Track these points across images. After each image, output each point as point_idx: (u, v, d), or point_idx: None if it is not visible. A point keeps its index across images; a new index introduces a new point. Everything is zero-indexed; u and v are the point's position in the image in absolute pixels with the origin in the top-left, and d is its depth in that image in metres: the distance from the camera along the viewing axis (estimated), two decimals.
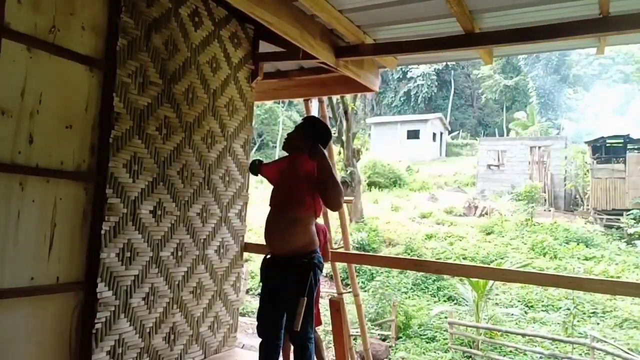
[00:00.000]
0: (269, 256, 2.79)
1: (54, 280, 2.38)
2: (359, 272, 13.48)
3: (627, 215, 17.51)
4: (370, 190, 23.35)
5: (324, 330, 10.70)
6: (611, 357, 9.40)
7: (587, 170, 21.41)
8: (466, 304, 12.19)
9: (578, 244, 15.71)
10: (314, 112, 4.61)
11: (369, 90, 4.16)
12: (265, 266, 2.80)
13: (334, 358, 3.57)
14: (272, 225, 2.75)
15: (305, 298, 2.54)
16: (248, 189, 3.69)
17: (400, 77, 38.58)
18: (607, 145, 21.36)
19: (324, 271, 2.82)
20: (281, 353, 2.80)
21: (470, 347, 10.51)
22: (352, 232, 15.68)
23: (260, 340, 2.83)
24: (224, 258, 3.45)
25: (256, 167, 2.92)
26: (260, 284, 2.91)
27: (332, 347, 3.58)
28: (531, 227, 17.39)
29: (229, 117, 3.47)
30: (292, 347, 2.81)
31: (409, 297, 13.29)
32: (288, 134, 2.88)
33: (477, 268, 4.40)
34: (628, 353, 9.14)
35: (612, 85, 33.07)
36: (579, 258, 14.92)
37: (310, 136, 2.75)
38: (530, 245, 15.86)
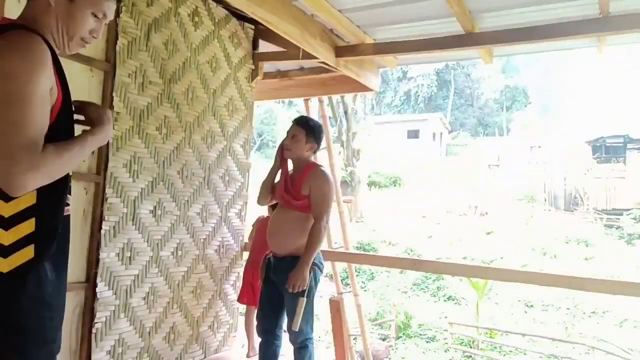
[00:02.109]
0: (269, 256, 2.80)
1: None
2: (359, 272, 13.49)
3: (627, 214, 17.52)
4: (370, 190, 23.36)
5: (324, 330, 10.71)
6: (611, 357, 9.40)
7: (587, 170, 21.43)
8: (466, 304, 12.19)
9: (578, 244, 15.72)
10: (314, 112, 4.61)
11: (369, 90, 4.16)
12: (266, 266, 2.80)
13: (334, 358, 3.56)
14: (274, 225, 2.76)
15: (305, 298, 2.55)
16: (248, 189, 3.69)
17: (400, 76, 38.56)
18: (607, 145, 21.38)
19: (324, 271, 2.83)
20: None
21: (470, 347, 10.51)
22: (352, 232, 15.68)
23: (260, 340, 2.84)
24: (224, 258, 3.45)
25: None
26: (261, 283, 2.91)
27: (332, 347, 3.58)
28: (531, 227, 17.40)
29: (229, 117, 3.47)
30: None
31: (409, 297, 13.29)
32: (288, 143, 2.75)
33: (477, 268, 4.39)
34: (628, 353, 9.14)
35: (613, 85, 33.08)
36: (579, 258, 14.93)
37: (312, 136, 2.75)
38: (530, 245, 15.86)
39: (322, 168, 2.76)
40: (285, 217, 2.71)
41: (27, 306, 1.13)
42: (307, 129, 2.74)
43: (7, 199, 1.09)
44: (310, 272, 2.60)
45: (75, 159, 1.21)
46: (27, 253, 1.13)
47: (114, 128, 2.56)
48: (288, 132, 2.79)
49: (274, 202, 2.92)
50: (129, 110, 2.68)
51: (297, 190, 2.66)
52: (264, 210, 3.72)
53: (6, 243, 1.10)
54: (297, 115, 3.79)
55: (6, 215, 1.11)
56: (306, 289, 2.56)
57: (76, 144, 1.20)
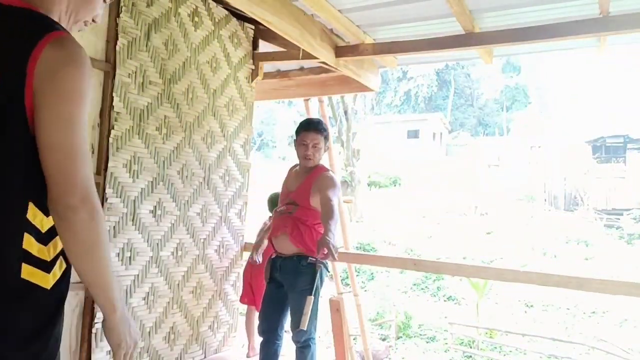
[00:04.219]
0: (274, 256, 2.80)
1: None
2: (359, 272, 13.49)
3: (627, 214, 17.53)
4: (370, 190, 23.36)
5: (324, 330, 10.71)
6: (611, 357, 9.40)
7: (587, 170, 21.44)
8: (466, 304, 12.19)
9: (578, 244, 15.72)
10: (314, 112, 4.61)
11: (369, 90, 4.15)
12: (271, 266, 2.80)
13: (334, 358, 3.56)
14: (280, 225, 2.75)
15: (313, 297, 2.55)
16: (248, 189, 3.69)
17: (400, 76, 38.54)
18: (607, 145, 21.40)
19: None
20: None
21: (470, 347, 10.52)
22: (352, 232, 15.67)
23: (260, 339, 2.84)
24: (224, 258, 3.45)
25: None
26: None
27: (332, 347, 3.58)
28: (531, 227, 17.40)
29: (229, 117, 3.47)
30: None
31: (409, 297, 13.30)
32: (310, 153, 2.72)
33: (477, 268, 4.39)
34: (628, 353, 9.14)
35: (613, 85, 33.07)
36: (579, 258, 14.93)
37: (328, 138, 2.82)
38: (530, 245, 15.87)
39: (330, 172, 2.82)
40: (292, 216, 2.72)
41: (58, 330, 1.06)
42: (324, 134, 2.77)
43: (49, 213, 1.04)
44: (317, 272, 2.59)
45: (101, 252, 1.05)
46: (61, 265, 1.07)
47: (114, 128, 2.58)
48: (303, 137, 2.73)
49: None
50: (129, 110, 2.68)
51: (308, 189, 2.69)
52: (264, 213, 3.72)
53: (48, 259, 1.04)
54: (297, 115, 3.78)
55: (44, 230, 1.04)
56: (313, 288, 2.56)
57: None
